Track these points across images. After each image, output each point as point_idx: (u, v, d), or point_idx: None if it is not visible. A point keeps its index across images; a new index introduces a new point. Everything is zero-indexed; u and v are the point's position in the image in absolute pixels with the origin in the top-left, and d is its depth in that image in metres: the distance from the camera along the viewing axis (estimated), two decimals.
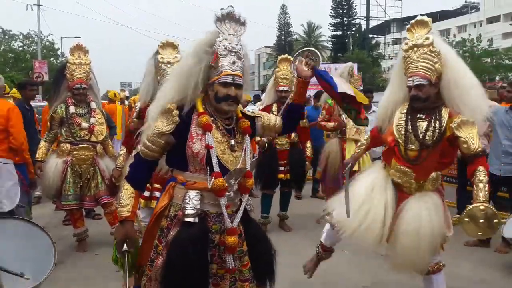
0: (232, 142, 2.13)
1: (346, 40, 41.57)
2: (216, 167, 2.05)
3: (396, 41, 50.55)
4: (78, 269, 3.25)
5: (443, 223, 2.70)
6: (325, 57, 42.24)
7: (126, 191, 2.10)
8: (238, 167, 2.11)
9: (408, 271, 2.89)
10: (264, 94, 6.33)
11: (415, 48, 2.66)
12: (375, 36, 45.63)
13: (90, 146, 4.40)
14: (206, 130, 2.07)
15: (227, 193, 2.09)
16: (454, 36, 42.52)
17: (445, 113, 2.69)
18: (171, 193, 2.14)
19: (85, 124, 4.36)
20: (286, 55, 5.29)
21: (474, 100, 2.66)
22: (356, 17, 43.45)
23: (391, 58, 45.44)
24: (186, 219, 2.04)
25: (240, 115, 2.23)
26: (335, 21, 43.63)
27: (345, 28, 43.50)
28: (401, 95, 2.87)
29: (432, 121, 2.69)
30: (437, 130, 2.66)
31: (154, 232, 2.16)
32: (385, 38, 49.05)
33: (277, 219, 5.48)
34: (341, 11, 43.23)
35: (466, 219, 2.35)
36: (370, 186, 2.89)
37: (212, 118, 2.12)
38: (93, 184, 4.43)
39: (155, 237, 2.15)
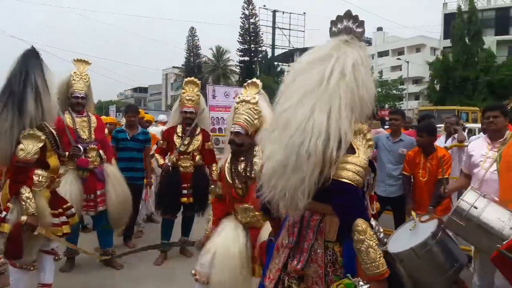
0: None
1: (253, 66, 42.92)
2: None
3: None
4: None
5: None
6: (234, 81, 43.21)
7: None
8: None
9: None
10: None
11: (243, 103, 3.13)
12: (280, 63, 47.89)
13: None
14: None
15: None
16: None
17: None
18: None
19: None
20: (192, 78, 5.24)
21: None
22: (262, 44, 45.33)
23: None
24: None
25: None
26: (242, 47, 44.97)
27: (252, 54, 44.99)
28: None
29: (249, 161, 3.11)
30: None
31: None
32: (289, 66, 51.50)
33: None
34: (248, 38, 44.70)
35: None
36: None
37: None
38: None
39: None
